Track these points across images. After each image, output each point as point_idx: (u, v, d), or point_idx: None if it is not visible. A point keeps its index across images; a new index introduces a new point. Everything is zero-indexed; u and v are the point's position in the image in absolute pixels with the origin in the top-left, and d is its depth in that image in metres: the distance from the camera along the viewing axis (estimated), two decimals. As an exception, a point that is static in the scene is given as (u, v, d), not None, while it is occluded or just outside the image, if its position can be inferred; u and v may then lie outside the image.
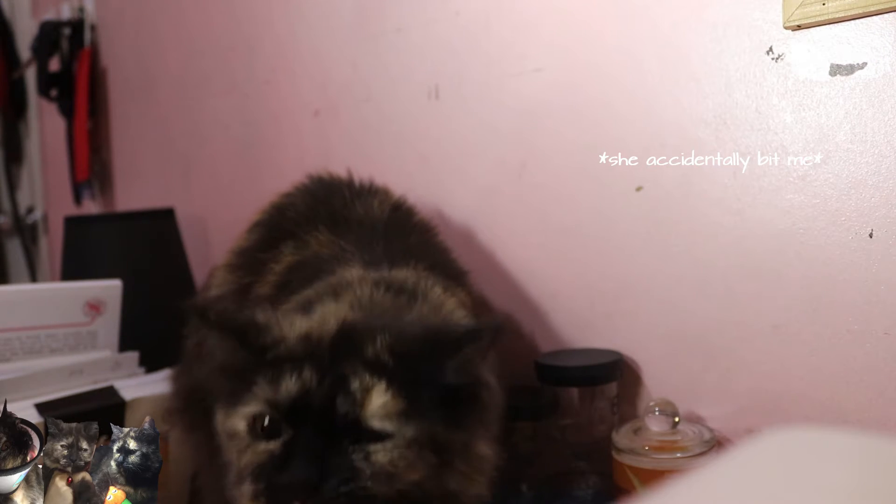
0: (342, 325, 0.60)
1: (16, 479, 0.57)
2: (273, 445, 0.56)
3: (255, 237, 0.86)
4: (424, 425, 0.57)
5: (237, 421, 0.58)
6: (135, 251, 1.26)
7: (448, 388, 0.59)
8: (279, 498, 0.55)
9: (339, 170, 0.92)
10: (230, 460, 0.61)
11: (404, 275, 0.72)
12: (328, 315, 0.63)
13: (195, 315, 0.64)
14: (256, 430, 0.57)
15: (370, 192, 0.87)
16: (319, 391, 0.56)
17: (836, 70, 0.71)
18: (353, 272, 0.72)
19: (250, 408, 0.58)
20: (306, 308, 0.67)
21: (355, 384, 0.56)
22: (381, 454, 0.55)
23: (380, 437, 0.56)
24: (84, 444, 0.59)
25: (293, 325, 0.60)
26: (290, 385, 0.56)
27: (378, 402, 0.56)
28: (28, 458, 0.58)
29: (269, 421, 0.57)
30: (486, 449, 0.62)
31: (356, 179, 0.89)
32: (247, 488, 0.57)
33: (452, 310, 0.70)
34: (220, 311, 0.61)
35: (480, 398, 0.61)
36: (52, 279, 1.97)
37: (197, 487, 0.87)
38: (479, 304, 0.82)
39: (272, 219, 0.87)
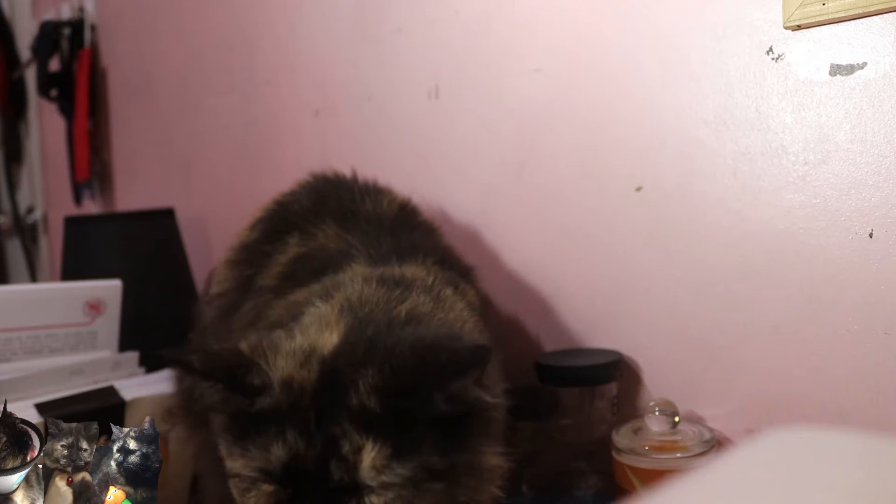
0: (323, 368, 0.58)
1: (16, 479, 0.57)
2: (276, 489, 0.56)
3: (257, 233, 0.86)
4: (418, 462, 0.55)
5: (238, 466, 0.58)
6: (135, 251, 1.26)
7: (441, 418, 0.57)
8: None
9: (339, 170, 0.92)
10: (234, 496, 0.60)
11: (413, 271, 0.72)
12: (313, 330, 0.61)
13: (178, 365, 0.61)
14: (257, 479, 0.57)
15: (378, 191, 0.88)
16: (310, 454, 0.55)
17: (836, 70, 0.71)
18: (354, 270, 0.72)
19: (248, 462, 0.57)
20: (295, 314, 0.66)
21: (346, 447, 0.54)
22: (376, 498, 0.55)
23: (379, 486, 0.55)
24: (84, 444, 0.59)
25: (277, 361, 0.58)
26: (278, 451, 0.55)
27: (369, 459, 0.54)
28: (28, 458, 0.58)
29: (268, 476, 0.56)
30: (493, 460, 0.61)
31: (361, 178, 0.90)
32: None
33: (461, 309, 0.69)
34: (203, 356, 0.59)
35: (479, 416, 0.59)
36: (52, 279, 1.97)
37: (198, 488, 0.87)
38: (485, 302, 0.83)
39: (275, 214, 0.87)
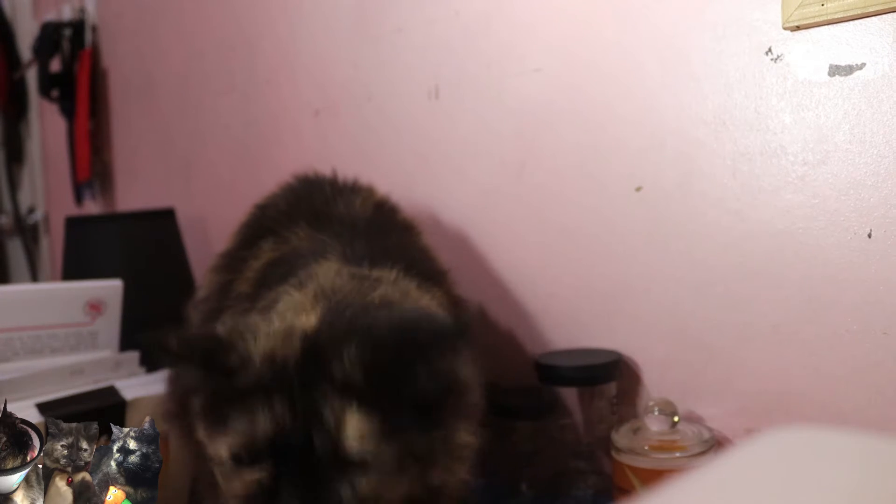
0: (305, 343, 0.57)
1: (16, 479, 0.57)
2: (259, 474, 0.55)
3: (238, 239, 0.86)
4: (403, 441, 0.56)
5: (220, 448, 0.57)
6: (135, 251, 1.27)
7: (422, 393, 0.57)
8: None
9: (339, 169, 0.92)
10: (219, 482, 0.60)
11: (380, 275, 0.71)
12: (289, 315, 0.61)
13: (158, 351, 0.61)
14: (240, 460, 0.56)
15: (353, 190, 0.87)
16: (294, 426, 0.54)
17: (834, 71, 0.71)
18: (325, 265, 0.72)
19: (229, 441, 0.56)
20: (271, 305, 0.66)
21: (328, 415, 0.54)
22: (366, 484, 0.55)
23: (361, 462, 0.55)
24: (84, 444, 0.59)
25: (256, 339, 0.58)
26: (264, 422, 0.55)
27: (353, 427, 0.54)
28: (28, 458, 0.58)
29: (251, 453, 0.56)
30: (466, 436, 0.61)
31: (340, 177, 0.89)
32: None
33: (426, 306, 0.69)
34: (181, 340, 0.59)
35: (456, 390, 0.60)
36: (53, 279, 1.97)
37: (198, 488, 0.87)
38: (456, 304, 0.81)
39: (254, 218, 0.87)
